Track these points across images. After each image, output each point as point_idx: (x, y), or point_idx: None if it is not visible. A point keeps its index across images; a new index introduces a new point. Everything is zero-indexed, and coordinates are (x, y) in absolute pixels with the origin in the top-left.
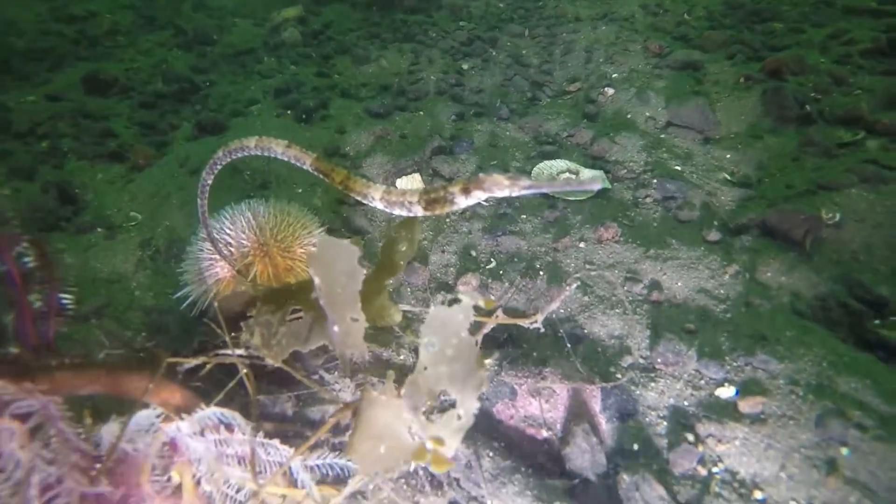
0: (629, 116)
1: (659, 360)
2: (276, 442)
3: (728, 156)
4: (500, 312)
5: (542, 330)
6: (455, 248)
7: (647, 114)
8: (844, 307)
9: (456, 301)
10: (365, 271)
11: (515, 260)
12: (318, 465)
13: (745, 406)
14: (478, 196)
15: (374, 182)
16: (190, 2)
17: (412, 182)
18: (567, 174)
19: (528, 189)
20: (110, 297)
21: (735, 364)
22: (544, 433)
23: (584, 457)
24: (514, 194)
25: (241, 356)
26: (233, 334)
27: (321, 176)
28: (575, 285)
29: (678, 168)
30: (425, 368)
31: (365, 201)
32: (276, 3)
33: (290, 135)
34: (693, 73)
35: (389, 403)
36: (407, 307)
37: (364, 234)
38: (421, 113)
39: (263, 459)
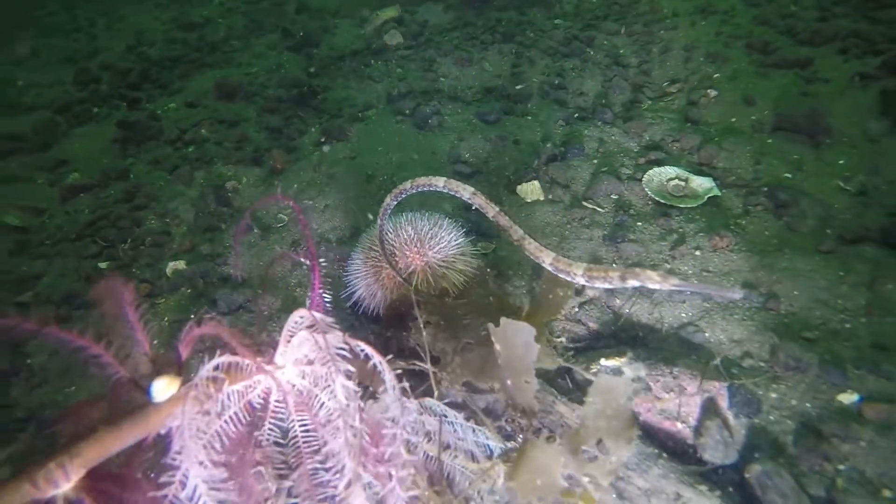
0: (734, 121)
1: (780, 365)
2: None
3: (841, 162)
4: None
5: (666, 331)
6: (580, 254)
7: (754, 117)
8: None
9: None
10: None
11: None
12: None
13: (871, 412)
14: (631, 284)
15: (546, 248)
16: (293, 4)
17: (532, 189)
18: (676, 181)
19: (677, 287)
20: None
21: (857, 372)
22: (679, 426)
23: (717, 447)
24: (663, 288)
25: (433, 371)
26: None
27: (500, 229)
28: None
29: (789, 175)
30: (587, 421)
31: (536, 261)
32: (371, 3)
33: (411, 142)
34: (801, 71)
35: (548, 448)
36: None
37: (491, 238)
38: (529, 118)
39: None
